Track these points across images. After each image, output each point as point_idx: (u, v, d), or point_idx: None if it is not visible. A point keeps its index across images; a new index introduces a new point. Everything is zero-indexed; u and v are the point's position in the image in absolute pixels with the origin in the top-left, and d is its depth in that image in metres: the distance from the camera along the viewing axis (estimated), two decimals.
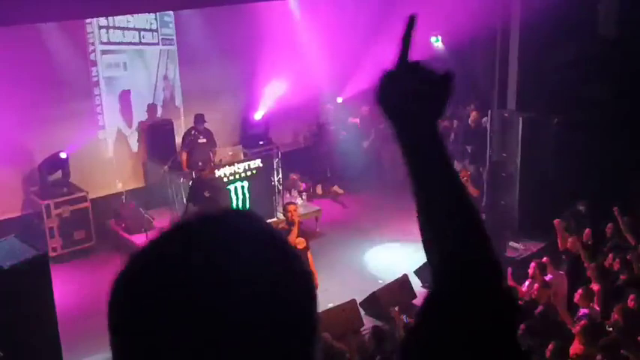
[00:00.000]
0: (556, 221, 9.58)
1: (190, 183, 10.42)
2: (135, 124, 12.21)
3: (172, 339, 0.85)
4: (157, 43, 12.40)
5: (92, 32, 11.35)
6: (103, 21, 11.34)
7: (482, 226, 1.17)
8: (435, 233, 1.19)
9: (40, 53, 10.41)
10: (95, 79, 11.54)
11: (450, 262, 1.15)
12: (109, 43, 11.55)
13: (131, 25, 11.79)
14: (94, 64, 11.47)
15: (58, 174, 10.98)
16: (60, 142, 10.79)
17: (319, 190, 13.18)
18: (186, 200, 10.25)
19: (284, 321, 0.89)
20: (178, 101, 13.00)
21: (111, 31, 11.53)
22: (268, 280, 0.90)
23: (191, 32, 12.27)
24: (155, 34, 12.32)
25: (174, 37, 12.54)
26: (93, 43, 11.40)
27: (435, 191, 1.19)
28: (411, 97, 1.19)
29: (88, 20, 11.08)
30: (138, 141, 12.27)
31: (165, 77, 12.77)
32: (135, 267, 0.92)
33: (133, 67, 11.97)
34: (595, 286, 8.06)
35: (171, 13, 12.11)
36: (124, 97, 12.01)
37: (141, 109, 12.24)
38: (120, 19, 11.53)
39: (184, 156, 11.53)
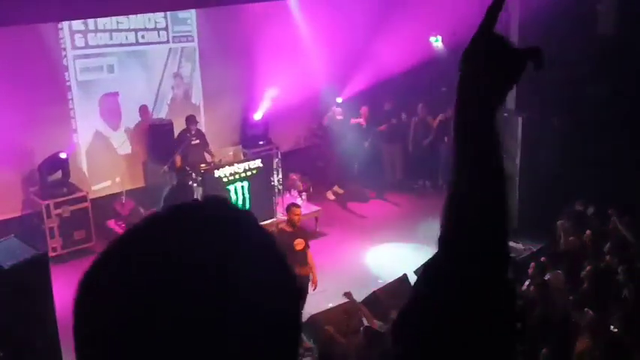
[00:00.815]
0: (559, 222, 9.62)
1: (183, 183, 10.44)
2: (123, 126, 12.14)
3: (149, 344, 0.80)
4: (166, 41, 12.39)
5: (63, 38, 11.22)
6: (78, 26, 11.22)
7: (509, 219, 1.17)
8: (461, 212, 1.19)
9: (15, 55, 10.40)
10: (68, 83, 11.44)
11: (465, 240, 1.15)
12: (87, 47, 11.40)
13: (124, 27, 11.70)
14: (66, 69, 11.35)
15: (58, 174, 10.99)
16: (55, 143, 10.82)
17: (330, 195, 13.17)
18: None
19: (260, 306, 0.85)
20: (196, 99, 13.02)
21: (91, 35, 11.40)
22: (246, 270, 0.86)
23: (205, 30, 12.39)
24: (163, 32, 12.31)
25: (194, 34, 12.62)
26: (64, 49, 11.28)
27: (477, 175, 1.18)
28: (494, 62, 1.19)
29: (60, 25, 11.00)
30: (131, 143, 12.21)
31: (178, 75, 12.77)
32: (107, 268, 0.87)
33: (123, 69, 11.87)
34: (591, 288, 8.08)
35: (192, 10, 12.11)
36: (108, 99, 11.86)
37: (134, 110, 12.15)
38: (107, 22, 11.45)
39: (179, 159, 11.52)
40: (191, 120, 11.64)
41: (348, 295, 8.76)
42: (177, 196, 9.97)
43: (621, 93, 11.08)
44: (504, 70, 1.20)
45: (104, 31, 11.55)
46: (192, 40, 12.76)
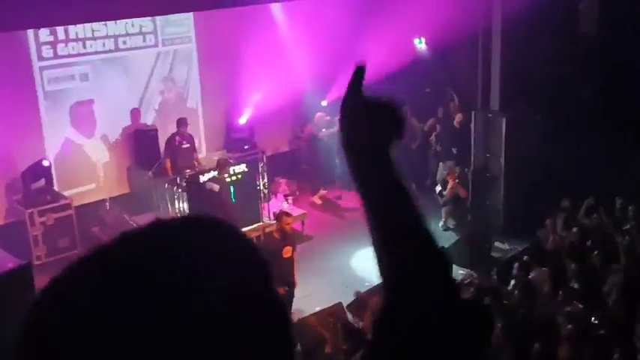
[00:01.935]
0: (548, 220, 9.67)
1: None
2: (99, 133, 12.04)
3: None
4: (154, 45, 12.32)
5: (30, 49, 11.11)
6: (46, 37, 11.12)
7: (436, 249, 1.20)
8: (388, 257, 1.20)
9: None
10: (35, 94, 11.33)
11: (402, 282, 1.16)
12: (55, 57, 11.27)
13: (101, 34, 11.58)
14: (33, 79, 11.24)
15: (41, 182, 10.91)
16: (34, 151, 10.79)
17: (316, 200, 13.17)
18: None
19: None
20: (193, 102, 12.99)
21: (61, 45, 11.28)
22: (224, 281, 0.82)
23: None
24: (150, 36, 12.23)
25: (191, 36, 12.64)
26: (32, 60, 11.16)
27: (389, 221, 1.23)
28: (363, 131, 1.21)
29: (28, 37, 10.94)
30: (110, 149, 12.13)
31: (169, 79, 12.72)
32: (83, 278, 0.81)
33: (99, 77, 11.75)
34: (576, 285, 8.12)
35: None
36: (81, 108, 11.73)
37: (111, 117, 12.01)
38: (80, 31, 11.35)
39: (168, 163, 11.47)
40: (182, 123, 11.57)
41: (357, 293, 8.73)
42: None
43: (603, 91, 11.16)
44: (379, 127, 1.24)
45: (76, 40, 11.40)
46: (189, 42, 12.73)
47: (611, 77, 11.10)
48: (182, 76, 12.85)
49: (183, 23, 12.51)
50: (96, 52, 11.64)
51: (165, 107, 12.69)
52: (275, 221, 9.10)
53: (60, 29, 11.16)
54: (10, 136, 10.55)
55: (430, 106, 13.38)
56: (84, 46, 11.53)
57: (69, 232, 10.79)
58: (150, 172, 11.25)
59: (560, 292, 7.95)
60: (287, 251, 8.39)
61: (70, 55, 11.42)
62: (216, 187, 10.31)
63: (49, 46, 11.25)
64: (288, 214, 8.98)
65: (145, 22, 12.03)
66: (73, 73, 11.58)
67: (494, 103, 11.34)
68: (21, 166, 10.78)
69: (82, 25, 11.10)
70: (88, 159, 11.97)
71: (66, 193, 11.25)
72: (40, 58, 11.21)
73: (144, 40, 12.19)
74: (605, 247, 8.95)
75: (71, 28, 11.21)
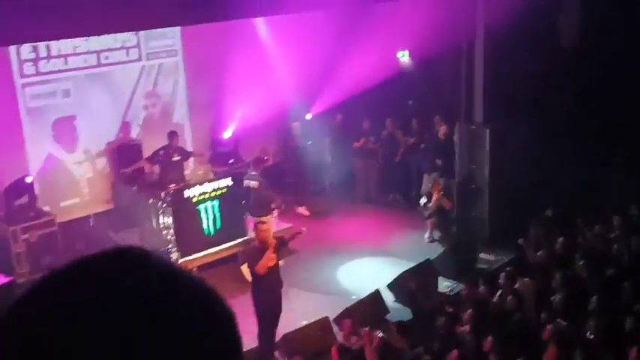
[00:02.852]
0: (521, 241, 9.72)
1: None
2: (81, 149, 11.97)
3: None
4: (138, 59, 12.27)
5: (12, 66, 11.06)
6: (28, 54, 11.08)
7: None
8: None
9: None
10: (17, 110, 11.25)
11: None
12: (38, 74, 11.20)
13: (82, 50, 11.52)
14: (15, 96, 11.16)
15: (24, 198, 10.81)
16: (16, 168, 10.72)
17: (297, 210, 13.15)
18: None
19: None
20: (179, 116, 12.97)
21: (42, 62, 11.23)
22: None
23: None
24: (134, 50, 12.18)
25: (178, 49, 12.64)
26: (13, 77, 11.11)
27: None
28: None
29: (9, 54, 10.91)
30: (92, 165, 12.05)
31: (154, 93, 12.67)
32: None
33: (81, 93, 11.67)
34: (559, 296, 8.16)
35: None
36: (63, 123, 11.67)
37: (93, 133, 11.96)
38: (62, 47, 11.29)
39: (146, 166, 11.44)
40: (172, 135, 11.50)
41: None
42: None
43: (585, 102, 11.26)
44: None
45: (58, 56, 11.35)
46: (175, 55, 12.72)
47: (593, 88, 11.21)
48: (167, 90, 12.81)
49: (167, 36, 12.48)
50: (78, 68, 11.58)
51: (149, 122, 12.64)
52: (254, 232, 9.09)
53: (42, 46, 11.12)
54: None
55: (414, 119, 13.43)
56: (66, 63, 11.47)
57: (53, 249, 10.68)
58: (134, 188, 11.18)
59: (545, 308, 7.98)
60: (270, 259, 8.31)
61: (51, 72, 11.37)
62: (254, 184, 10.64)
63: (30, 63, 11.19)
64: (262, 222, 9.01)
65: (128, 37, 11.97)
66: (55, 90, 11.52)
67: (478, 114, 11.40)
68: (3, 183, 10.69)
69: (63, 41, 11.05)
70: (71, 175, 11.90)
71: (49, 209, 11.16)
72: (22, 75, 11.15)
73: (127, 55, 12.14)
74: (591, 257, 9.01)
75: (53, 44, 11.17)
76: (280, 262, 8.77)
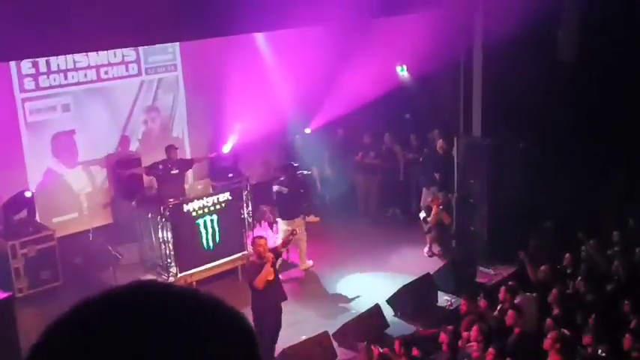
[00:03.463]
0: (520, 254, 9.68)
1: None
2: (79, 164, 11.96)
3: None
4: (137, 74, 12.30)
5: (12, 82, 11.14)
6: (28, 70, 11.14)
7: None
8: None
9: None
10: (17, 125, 11.29)
11: None
12: (38, 89, 11.26)
13: (82, 65, 11.58)
14: (16, 111, 11.22)
15: (23, 213, 10.80)
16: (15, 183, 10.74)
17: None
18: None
19: None
20: (178, 131, 12.98)
21: (42, 77, 11.29)
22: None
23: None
24: (133, 65, 12.21)
25: (177, 64, 12.67)
26: (13, 92, 11.17)
27: None
28: None
29: (10, 70, 10.97)
30: (91, 179, 12.08)
31: (154, 108, 12.68)
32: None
33: (81, 107, 11.71)
34: (556, 311, 8.14)
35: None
36: (63, 138, 11.71)
37: (93, 147, 12.00)
38: (62, 63, 11.36)
39: (147, 180, 11.48)
40: (170, 149, 11.47)
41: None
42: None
43: (583, 115, 11.29)
44: None
45: (58, 72, 11.40)
46: (175, 70, 12.75)
47: (591, 102, 11.23)
48: (167, 104, 12.83)
49: (167, 51, 12.52)
50: (78, 83, 11.62)
51: (148, 137, 12.65)
52: (252, 247, 9.16)
53: (42, 62, 11.17)
54: None
55: (412, 133, 13.45)
56: (65, 78, 11.51)
57: (51, 264, 10.66)
58: (133, 202, 11.17)
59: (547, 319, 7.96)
60: (269, 273, 8.32)
61: (51, 87, 11.41)
62: (285, 190, 11.14)
63: (30, 79, 11.24)
64: (259, 237, 9.09)
65: (128, 52, 12.01)
66: (55, 104, 11.55)
67: (477, 129, 11.41)
68: (3, 198, 10.69)
69: (63, 56, 11.10)
70: (70, 189, 11.90)
71: (49, 223, 11.16)
72: (22, 90, 11.19)
73: (126, 70, 12.18)
74: (591, 272, 9.00)
75: (52, 59, 11.22)
76: (280, 276, 8.78)
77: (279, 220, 11.44)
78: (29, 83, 11.25)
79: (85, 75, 11.71)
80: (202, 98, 12.78)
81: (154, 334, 0.84)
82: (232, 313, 0.94)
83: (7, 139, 10.92)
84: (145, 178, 11.91)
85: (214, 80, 12.53)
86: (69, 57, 11.28)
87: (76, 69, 11.58)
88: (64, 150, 11.78)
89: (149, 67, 12.44)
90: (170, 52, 12.58)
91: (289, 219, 11.12)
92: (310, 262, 11.45)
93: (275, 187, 11.39)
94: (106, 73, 11.93)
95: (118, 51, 11.81)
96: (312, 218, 13.11)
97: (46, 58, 11.06)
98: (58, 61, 11.34)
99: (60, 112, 11.64)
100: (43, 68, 11.27)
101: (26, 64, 11.08)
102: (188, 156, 12.86)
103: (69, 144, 11.81)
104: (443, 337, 7.87)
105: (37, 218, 11.16)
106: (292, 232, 9.40)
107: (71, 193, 11.92)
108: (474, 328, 7.76)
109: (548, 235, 10.38)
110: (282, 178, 11.46)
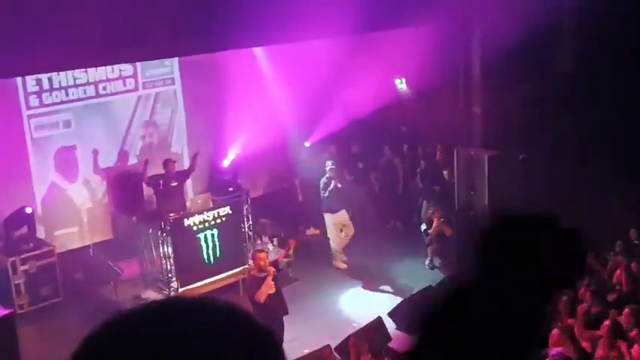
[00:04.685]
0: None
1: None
2: (81, 178, 12.01)
3: None
4: (134, 89, 12.31)
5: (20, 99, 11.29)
6: (32, 87, 11.26)
7: None
8: None
9: None
10: (24, 141, 11.41)
11: None
12: (41, 106, 11.39)
13: (82, 81, 11.65)
14: (22, 127, 11.33)
15: (24, 229, 10.80)
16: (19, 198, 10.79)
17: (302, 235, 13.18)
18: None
19: None
20: (177, 146, 12.97)
21: (45, 94, 11.39)
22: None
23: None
24: (130, 80, 12.22)
25: (175, 77, 12.66)
26: (21, 109, 11.30)
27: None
28: None
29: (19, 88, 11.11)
30: (92, 194, 12.09)
31: (151, 123, 12.69)
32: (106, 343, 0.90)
33: (82, 123, 11.78)
34: (567, 321, 8.10)
35: None
36: (64, 153, 11.77)
37: (89, 162, 12.05)
38: (62, 79, 11.44)
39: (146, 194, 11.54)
40: (168, 163, 11.35)
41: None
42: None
43: (582, 126, 11.30)
44: None
45: (59, 89, 11.48)
46: (172, 84, 12.74)
47: (590, 113, 11.25)
48: (165, 119, 12.83)
49: (165, 64, 12.49)
50: (78, 99, 11.67)
51: (147, 152, 12.60)
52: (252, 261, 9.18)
53: (45, 79, 11.25)
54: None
55: (411, 145, 13.47)
56: (66, 94, 11.59)
57: (52, 280, 10.64)
58: (134, 217, 11.16)
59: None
60: (269, 287, 8.34)
61: (53, 104, 11.49)
62: (339, 185, 11.77)
63: (35, 96, 11.36)
64: (260, 250, 9.14)
65: (125, 66, 11.96)
66: (57, 121, 11.64)
67: (476, 141, 11.43)
68: (7, 212, 10.72)
69: (64, 73, 11.20)
70: (73, 204, 11.94)
71: (52, 238, 11.21)
72: (28, 107, 11.31)
73: (124, 85, 12.19)
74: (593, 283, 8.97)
75: (54, 77, 11.30)
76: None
77: (326, 214, 11.87)
78: (34, 100, 11.36)
79: (85, 91, 11.75)
80: (201, 112, 12.75)
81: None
82: (262, 329, 0.97)
83: (15, 154, 11.03)
84: (146, 193, 11.88)
85: (214, 94, 12.53)
86: (69, 74, 11.36)
87: (75, 85, 11.62)
88: (66, 165, 11.83)
89: (147, 82, 12.43)
90: (167, 65, 12.54)
91: (336, 212, 11.75)
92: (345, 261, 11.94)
93: (332, 183, 11.81)
94: (104, 88, 11.95)
95: (116, 66, 11.82)
96: (312, 231, 13.10)
97: (48, 76, 11.15)
98: (60, 78, 11.41)
99: (62, 128, 11.71)
100: (46, 85, 11.36)
101: (31, 82, 11.18)
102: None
103: (71, 159, 11.86)
104: None
105: (42, 233, 11.19)
106: (288, 250, 9.48)
107: (73, 207, 11.95)
108: None
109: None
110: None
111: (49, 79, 11.33)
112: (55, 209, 11.62)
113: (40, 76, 11.04)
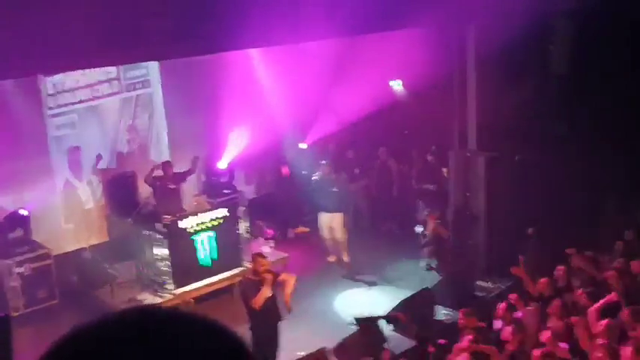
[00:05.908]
0: (515, 270, 9.59)
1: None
2: (85, 179, 12.10)
3: None
4: (118, 91, 12.26)
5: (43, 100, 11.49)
6: (50, 89, 11.42)
7: None
8: None
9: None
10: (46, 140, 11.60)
11: None
12: (58, 106, 11.60)
13: (82, 84, 11.73)
14: (45, 126, 11.51)
15: (19, 231, 10.77)
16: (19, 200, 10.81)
17: (290, 233, 13.18)
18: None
19: None
20: (157, 152, 12.82)
21: (60, 95, 11.56)
22: None
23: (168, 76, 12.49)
24: (115, 82, 12.19)
25: (151, 79, 12.55)
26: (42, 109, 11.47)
27: None
28: None
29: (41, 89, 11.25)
30: (91, 194, 12.16)
31: (133, 128, 12.64)
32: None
33: (82, 125, 11.92)
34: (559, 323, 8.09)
35: None
36: (73, 154, 12.02)
37: (90, 164, 12.19)
38: (70, 81, 11.54)
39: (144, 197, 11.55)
40: (166, 165, 11.32)
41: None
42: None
43: (577, 128, 11.32)
44: None
45: (67, 90, 11.62)
46: (149, 86, 12.59)
47: (585, 115, 11.27)
48: (145, 123, 12.73)
49: (141, 65, 12.21)
50: (80, 102, 11.84)
51: (129, 159, 12.57)
52: (251, 263, 9.07)
53: (59, 80, 11.38)
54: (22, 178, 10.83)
55: (408, 147, 13.49)
56: (73, 96, 11.75)
57: (47, 283, 10.62)
58: (130, 219, 11.14)
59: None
60: (267, 294, 8.28)
61: (65, 105, 11.67)
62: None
63: (53, 97, 11.55)
64: (262, 256, 8.94)
65: (111, 68, 11.91)
66: (66, 122, 11.83)
67: (472, 142, 11.43)
68: (33, 209, 10.94)
69: (69, 75, 11.37)
70: (80, 202, 12.12)
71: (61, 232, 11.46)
72: (48, 107, 11.54)
73: (110, 87, 12.18)
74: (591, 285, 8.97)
75: (62, 79, 11.43)
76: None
77: (321, 213, 11.72)
78: (52, 100, 11.56)
79: (84, 94, 11.86)
80: (188, 116, 12.48)
81: None
82: (233, 340, 0.91)
83: (38, 152, 11.30)
84: (141, 195, 11.87)
85: (205, 96, 12.44)
86: (73, 77, 11.49)
87: (78, 88, 11.73)
88: (75, 164, 12.04)
89: (128, 84, 12.37)
90: (143, 66, 12.29)
91: (329, 212, 11.65)
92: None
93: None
94: (97, 91, 11.99)
95: (105, 69, 11.75)
96: (301, 229, 13.09)
97: (60, 77, 11.33)
98: (68, 80, 11.55)
99: (70, 129, 11.90)
100: (59, 87, 11.53)
101: (49, 84, 11.37)
102: None
103: (77, 159, 12.05)
104: (431, 349, 7.86)
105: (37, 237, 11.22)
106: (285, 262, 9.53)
107: (81, 206, 12.10)
108: (466, 339, 7.75)
109: (545, 248, 10.36)
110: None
111: (62, 81, 11.49)
112: (64, 206, 11.84)
113: (54, 78, 11.25)
